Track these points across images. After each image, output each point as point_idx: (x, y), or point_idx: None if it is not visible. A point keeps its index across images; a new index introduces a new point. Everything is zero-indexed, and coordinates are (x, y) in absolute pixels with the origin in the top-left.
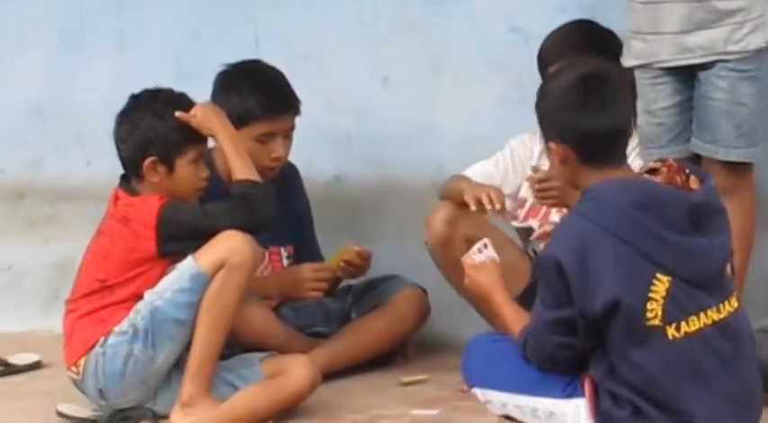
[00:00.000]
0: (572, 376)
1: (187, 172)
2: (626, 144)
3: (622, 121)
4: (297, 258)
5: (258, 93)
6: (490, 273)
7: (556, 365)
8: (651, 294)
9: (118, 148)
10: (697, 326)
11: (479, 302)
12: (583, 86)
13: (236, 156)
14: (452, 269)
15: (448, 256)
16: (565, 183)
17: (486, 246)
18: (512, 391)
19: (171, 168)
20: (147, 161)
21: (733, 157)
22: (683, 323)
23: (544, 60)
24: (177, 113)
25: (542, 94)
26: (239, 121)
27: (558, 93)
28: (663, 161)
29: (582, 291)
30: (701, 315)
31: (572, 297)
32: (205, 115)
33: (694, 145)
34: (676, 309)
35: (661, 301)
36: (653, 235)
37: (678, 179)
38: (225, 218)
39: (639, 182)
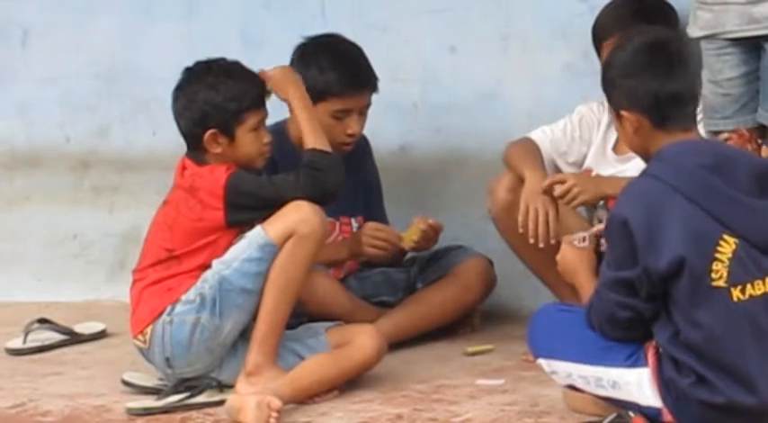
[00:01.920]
0: (635, 346)
1: (249, 139)
2: (695, 108)
3: (690, 83)
4: None
5: (338, 68)
6: (584, 257)
7: (616, 328)
8: (717, 255)
9: (177, 123)
10: (762, 290)
11: (545, 273)
12: (649, 52)
13: (308, 123)
14: (515, 237)
15: (511, 224)
16: (640, 152)
17: (585, 239)
18: (576, 361)
19: (232, 138)
20: (208, 134)
21: None
22: (748, 286)
23: (599, 34)
24: (259, 71)
25: (609, 63)
26: (317, 95)
27: (625, 60)
28: (734, 131)
29: (647, 249)
30: (767, 279)
31: (637, 257)
32: (284, 77)
33: (761, 115)
34: (742, 271)
35: (727, 263)
36: (722, 196)
37: (749, 147)
38: (292, 188)
39: (710, 144)
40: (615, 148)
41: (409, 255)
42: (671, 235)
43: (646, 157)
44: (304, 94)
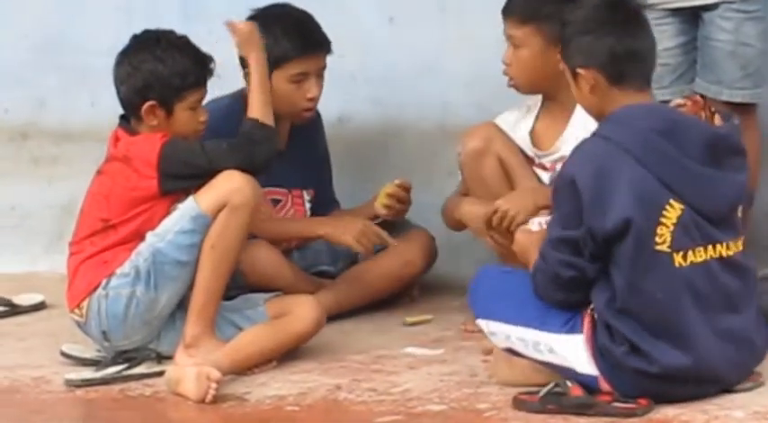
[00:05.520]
0: (573, 312)
1: (186, 117)
2: (651, 68)
3: (646, 41)
4: (316, 201)
5: (292, 34)
6: (536, 239)
7: (559, 288)
8: (662, 219)
9: (117, 89)
10: (703, 257)
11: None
12: (607, 9)
13: (258, 90)
14: (479, 183)
15: (477, 171)
16: (594, 112)
17: (541, 224)
18: (515, 323)
19: (170, 112)
20: (147, 105)
21: (738, 97)
22: (690, 252)
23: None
24: (227, 21)
25: (567, 21)
26: (274, 62)
27: (582, 18)
28: (689, 97)
29: (594, 208)
30: (709, 247)
31: (582, 217)
32: (251, 35)
33: (698, 85)
34: (685, 237)
35: (671, 227)
36: (671, 161)
37: (702, 115)
38: (224, 157)
39: (664, 109)
40: (534, 142)
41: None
42: (619, 196)
43: (600, 117)
44: (264, 61)
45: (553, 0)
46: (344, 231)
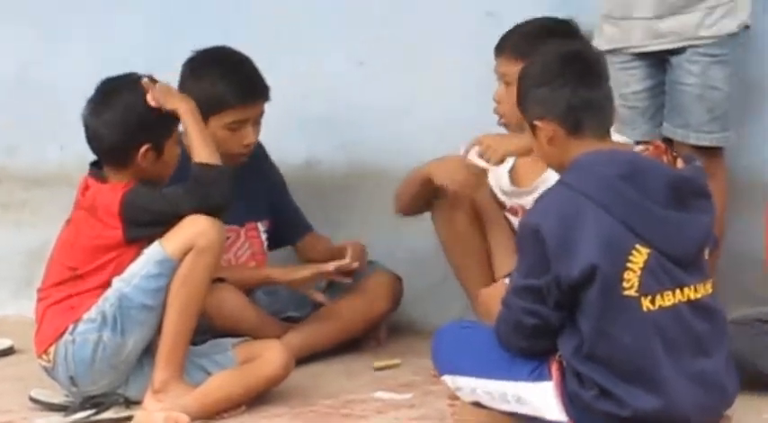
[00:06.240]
0: (539, 360)
1: (173, 153)
2: (610, 117)
3: (604, 92)
4: (277, 229)
5: (230, 79)
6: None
7: (521, 336)
8: (629, 264)
9: (100, 138)
10: (672, 301)
11: (464, 270)
12: (561, 62)
13: (197, 135)
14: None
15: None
16: (555, 163)
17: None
18: (480, 375)
19: (161, 152)
20: (143, 149)
21: (705, 141)
22: (657, 296)
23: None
24: (144, 81)
25: (522, 75)
26: (211, 108)
27: (537, 71)
28: (649, 142)
29: (560, 256)
30: (677, 291)
31: (548, 265)
32: (168, 89)
33: (666, 129)
34: (653, 281)
35: (638, 272)
36: (635, 206)
37: (665, 159)
38: (181, 202)
39: (625, 153)
40: (513, 179)
41: None
42: (584, 243)
43: (560, 168)
44: (193, 106)
45: (546, 35)
46: (297, 269)
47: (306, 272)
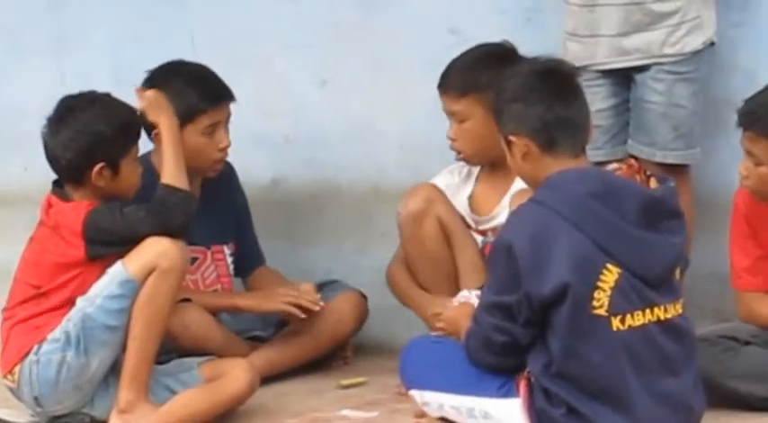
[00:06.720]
0: (507, 377)
1: (130, 171)
2: (585, 135)
3: (579, 109)
4: (239, 256)
5: (195, 86)
6: (465, 312)
7: (490, 352)
8: (600, 283)
9: (56, 156)
10: (642, 321)
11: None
12: (537, 78)
13: (171, 155)
14: (418, 246)
15: (417, 233)
16: (528, 179)
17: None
18: (448, 391)
19: (117, 171)
20: (96, 168)
21: (671, 158)
22: (628, 316)
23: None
24: (137, 88)
25: (499, 90)
26: (184, 117)
27: (513, 86)
28: (622, 161)
29: (532, 274)
30: (647, 311)
31: (519, 282)
32: (160, 101)
33: (632, 147)
34: (623, 301)
35: (609, 292)
36: (607, 225)
37: (638, 178)
38: (142, 224)
39: (599, 173)
40: (473, 207)
41: None
42: (555, 261)
43: (534, 184)
44: (174, 124)
45: (487, 67)
46: (265, 299)
47: (273, 306)
